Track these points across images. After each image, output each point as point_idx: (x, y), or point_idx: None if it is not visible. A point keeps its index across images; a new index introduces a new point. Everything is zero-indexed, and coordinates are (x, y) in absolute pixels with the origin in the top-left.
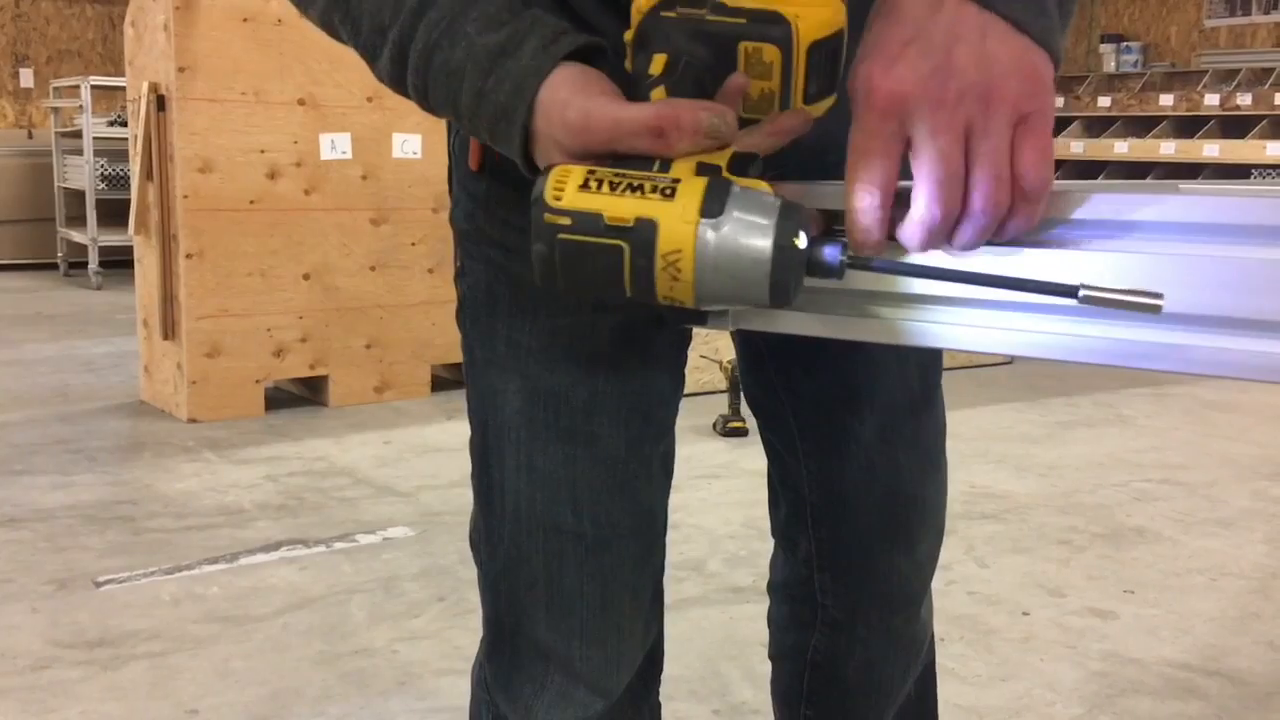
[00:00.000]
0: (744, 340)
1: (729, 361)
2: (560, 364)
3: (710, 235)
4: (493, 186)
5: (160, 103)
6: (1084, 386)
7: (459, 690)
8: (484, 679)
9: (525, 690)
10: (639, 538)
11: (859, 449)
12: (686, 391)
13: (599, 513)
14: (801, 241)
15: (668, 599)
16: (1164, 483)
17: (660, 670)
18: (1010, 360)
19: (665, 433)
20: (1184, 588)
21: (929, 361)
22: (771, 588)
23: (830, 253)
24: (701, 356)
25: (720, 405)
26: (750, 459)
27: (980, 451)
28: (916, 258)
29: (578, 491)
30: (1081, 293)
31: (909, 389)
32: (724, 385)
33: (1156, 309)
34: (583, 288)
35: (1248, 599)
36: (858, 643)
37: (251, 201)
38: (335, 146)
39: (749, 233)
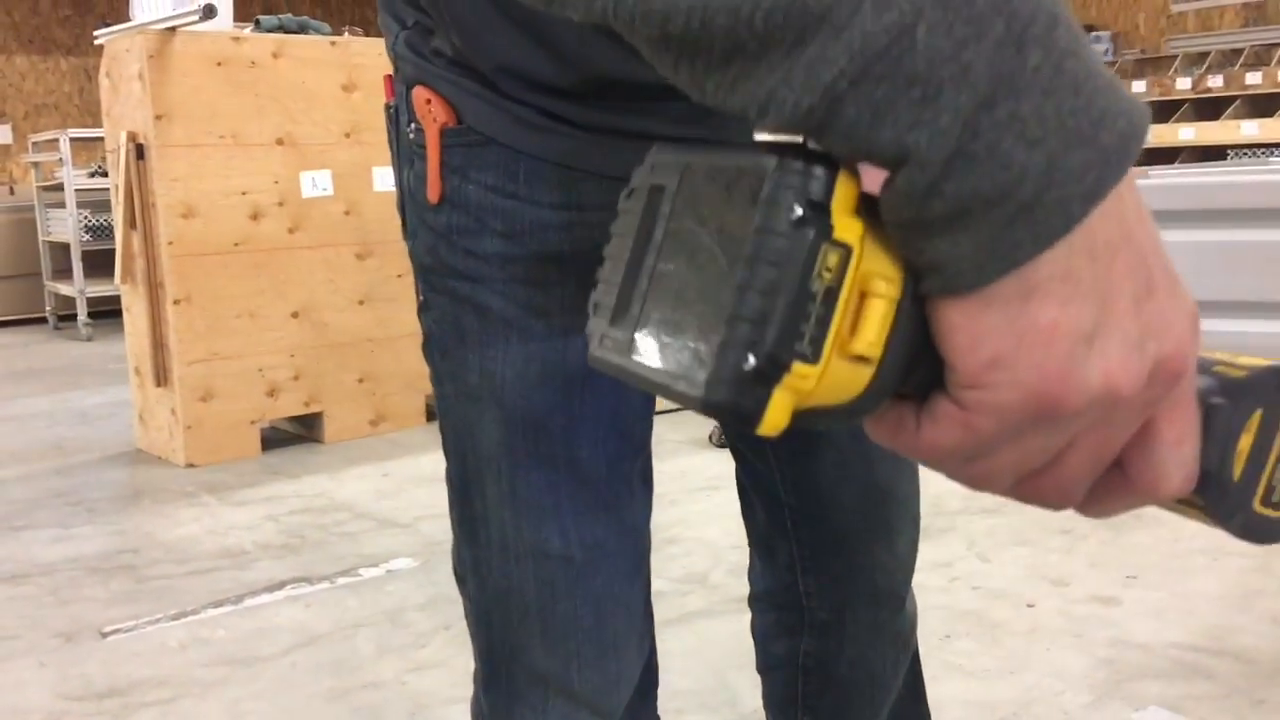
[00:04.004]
0: None
1: None
2: (535, 391)
3: None
4: (454, 218)
5: (139, 151)
6: None
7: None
8: (482, 712)
9: (526, 719)
10: (626, 555)
11: (830, 446)
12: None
13: (585, 535)
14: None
15: (673, 613)
16: None
17: (656, 681)
18: None
19: (642, 447)
20: (1185, 569)
21: None
22: (753, 599)
23: None
24: None
25: None
26: None
27: None
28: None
29: (563, 516)
30: None
31: None
32: None
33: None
34: None
35: (1249, 577)
36: (847, 641)
37: (236, 244)
38: (316, 184)
39: None
